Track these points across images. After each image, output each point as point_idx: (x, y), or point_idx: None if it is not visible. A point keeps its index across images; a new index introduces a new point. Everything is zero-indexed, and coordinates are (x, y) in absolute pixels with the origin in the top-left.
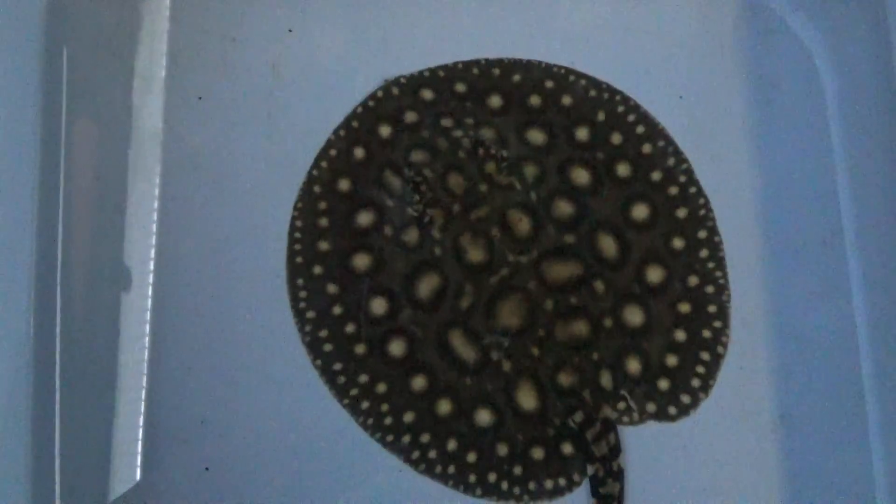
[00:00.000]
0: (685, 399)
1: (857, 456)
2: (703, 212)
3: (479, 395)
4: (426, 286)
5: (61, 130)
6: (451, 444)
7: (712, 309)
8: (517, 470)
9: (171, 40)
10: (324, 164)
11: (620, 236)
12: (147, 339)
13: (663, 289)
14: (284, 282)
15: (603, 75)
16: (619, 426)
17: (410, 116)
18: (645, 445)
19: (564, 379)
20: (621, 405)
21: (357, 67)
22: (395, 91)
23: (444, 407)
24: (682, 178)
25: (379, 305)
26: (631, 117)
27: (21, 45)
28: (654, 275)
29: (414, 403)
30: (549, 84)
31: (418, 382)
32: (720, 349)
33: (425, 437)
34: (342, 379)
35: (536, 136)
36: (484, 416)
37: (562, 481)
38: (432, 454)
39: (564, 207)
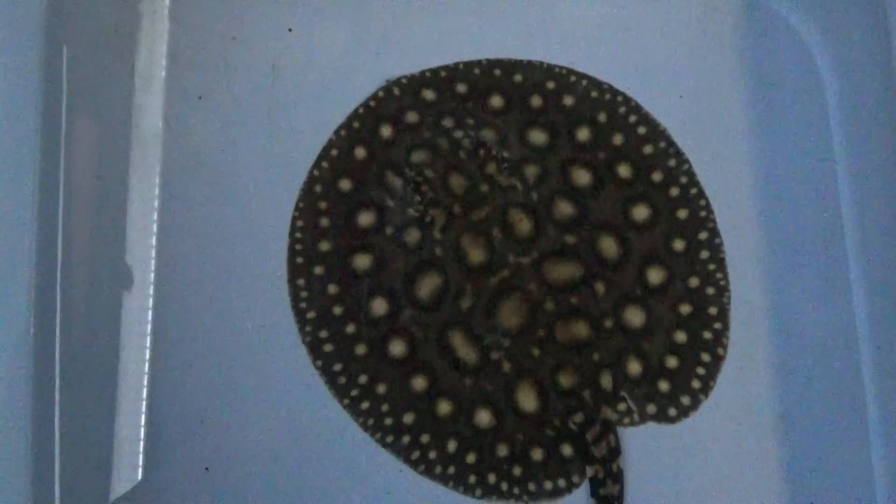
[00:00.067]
0: (685, 400)
1: (857, 455)
2: (703, 213)
3: (479, 396)
4: (427, 286)
5: (61, 130)
6: (451, 445)
7: (713, 310)
8: (517, 471)
9: (171, 40)
10: (325, 163)
11: (621, 237)
12: (148, 338)
13: (664, 290)
14: (285, 282)
15: (603, 75)
16: (618, 427)
17: (412, 117)
18: (645, 446)
19: (564, 380)
20: (621, 406)
21: (357, 67)
22: (397, 91)
23: (444, 407)
24: (684, 180)
25: (379, 306)
26: (632, 118)
27: (21, 45)
28: (655, 276)
29: (414, 404)
30: (551, 85)
31: (418, 383)
32: (720, 351)
33: (425, 438)
34: (342, 379)
35: (537, 137)
36: (484, 417)
37: (561, 482)
38: (432, 455)
39: (565, 208)
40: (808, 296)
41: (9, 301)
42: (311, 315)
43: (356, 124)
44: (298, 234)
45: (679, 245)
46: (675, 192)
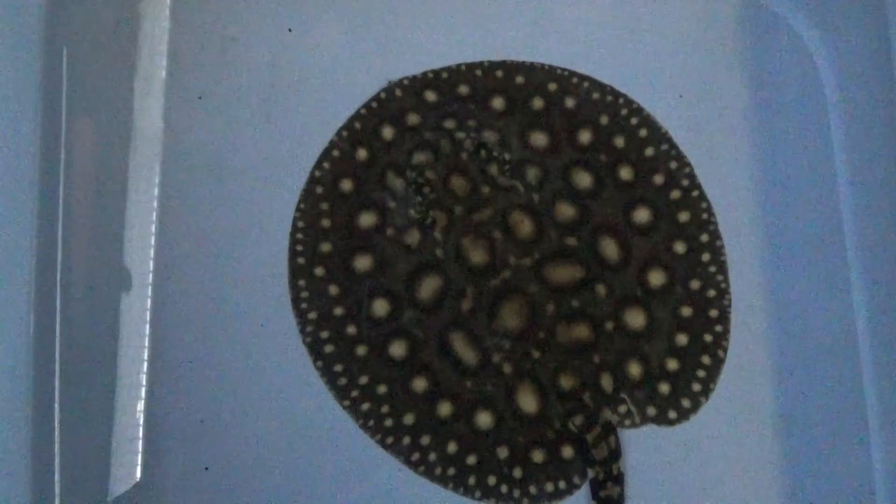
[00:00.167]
0: (686, 403)
1: (856, 456)
2: (705, 216)
3: (479, 398)
4: (427, 288)
5: (61, 130)
6: (452, 446)
7: (714, 313)
8: (517, 472)
9: (171, 40)
10: (326, 164)
11: (622, 239)
12: (147, 338)
13: (665, 292)
14: (285, 282)
15: (603, 75)
16: (619, 429)
17: (413, 118)
18: (645, 446)
19: (565, 382)
20: (622, 408)
21: (357, 67)
22: (398, 93)
23: (445, 409)
24: (685, 182)
25: (380, 307)
26: (634, 120)
27: (21, 45)
28: (656, 278)
29: (414, 405)
30: (552, 86)
31: (419, 384)
32: (721, 353)
33: (426, 439)
34: (343, 380)
35: (539, 139)
36: (484, 419)
37: (562, 484)
38: (432, 456)
39: (566, 210)
40: (807, 296)
41: (9, 301)
42: (311, 316)
43: (358, 125)
44: (300, 235)
45: (680, 247)
46: (676, 194)
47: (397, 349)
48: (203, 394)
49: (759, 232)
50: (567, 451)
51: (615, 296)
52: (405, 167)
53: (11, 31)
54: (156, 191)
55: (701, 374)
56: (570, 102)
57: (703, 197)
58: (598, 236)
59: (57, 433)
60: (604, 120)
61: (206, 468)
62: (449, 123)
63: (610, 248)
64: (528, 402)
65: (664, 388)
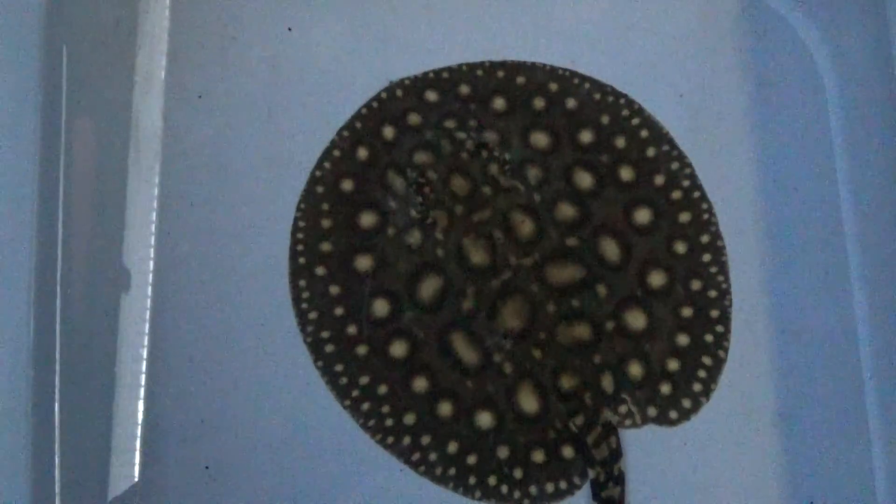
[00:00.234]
0: (686, 403)
1: (857, 453)
2: (706, 216)
3: (480, 398)
4: (428, 288)
5: (61, 129)
6: (452, 446)
7: (714, 313)
8: (518, 473)
9: (170, 39)
10: (327, 164)
11: (623, 240)
12: (146, 338)
13: (666, 293)
14: (286, 282)
15: (603, 74)
16: (619, 429)
17: (414, 118)
18: (645, 445)
19: (566, 382)
20: (622, 409)
21: (357, 66)
22: (399, 92)
23: (445, 409)
24: (686, 183)
25: (381, 307)
26: (635, 121)
27: (21, 44)
28: (657, 279)
29: (415, 405)
30: (553, 87)
31: (419, 384)
32: (722, 354)
33: (426, 439)
34: (343, 380)
35: (540, 139)
36: (485, 419)
37: (562, 484)
38: (433, 456)
39: (567, 210)
40: (808, 296)
41: (9, 301)
42: (312, 315)
43: (359, 125)
44: (300, 235)
45: (681, 248)
46: (677, 195)
47: (398, 349)
48: (203, 394)
49: (759, 232)
50: (567, 452)
51: (616, 296)
52: (406, 167)
53: (11, 30)
54: (156, 190)
55: (702, 374)
56: (571, 103)
57: (703, 197)
58: (598, 236)
59: (57, 433)
60: (605, 120)
61: (206, 468)
62: (450, 123)
63: (611, 249)
64: (528, 402)
65: (665, 388)
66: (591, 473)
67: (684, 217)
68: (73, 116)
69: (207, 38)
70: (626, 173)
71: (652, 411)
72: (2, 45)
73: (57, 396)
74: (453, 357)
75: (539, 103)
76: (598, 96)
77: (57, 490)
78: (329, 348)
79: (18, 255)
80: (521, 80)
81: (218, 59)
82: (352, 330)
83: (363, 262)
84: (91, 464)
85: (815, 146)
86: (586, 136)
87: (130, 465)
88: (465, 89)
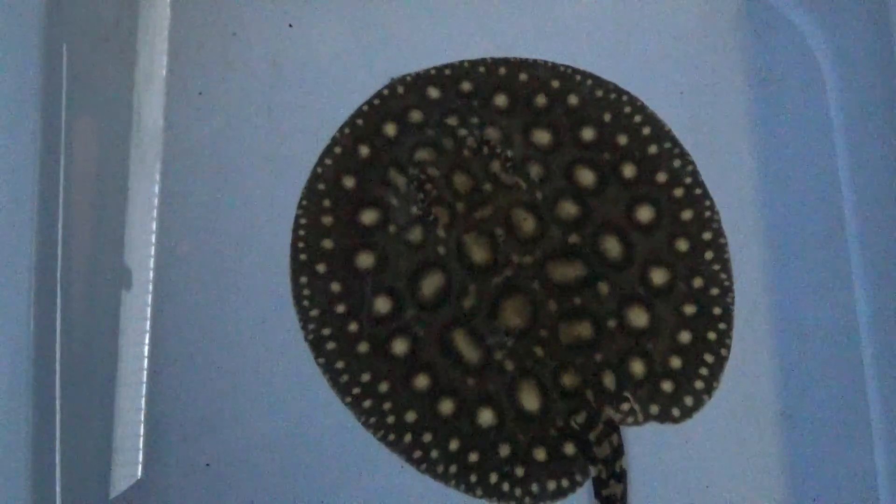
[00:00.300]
0: (688, 401)
1: (859, 451)
2: (708, 213)
3: (481, 395)
4: (430, 285)
5: (61, 127)
6: (453, 444)
7: (717, 311)
8: (519, 471)
9: (171, 36)
10: (329, 161)
11: (625, 238)
12: (148, 336)
13: (668, 290)
14: (287, 279)
15: (605, 71)
16: (621, 427)
17: (416, 115)
18: (647, 444)
19: (567, 380)
20: (624, 406)
21: (359, 63)
22: (401, 89)
23: (447, 406)
24: (688, 180)
25: (382, 304)
26: (637, 118)
27: (21, 42)
28: (659, 276)
29: (416, 403)
30: (555, 84)
31: (421, 382)
32: (724, 352)
33: (427, 437)
34: (345, 377)
35: (542, 136)
36: (486, 417)
37: (564, 482)
38: (434, 454)
39: (569, 208)
40: (810, 294)
41: (9, 301)
42: (313, 313)
43: (360, 122)
44: (302, 232)
45: (683, 245)
46: (679, 192)
47: (399, 346)
48: (204, 391)
49: (761, 229)
50: (569, 450)
51: (618, 294)
52: (408, 164)
53: (11, 28)
54: (156, 188)
55: (704, 371)
56: (572, 100)
57: (705, 195)
58: (600, 234)
59: (58, 432)
60: (607, 117)
61: (208, 465)
62: (452, 120)
63: (612, 246)
64: (530, 400)
65: (667, 385)
66: (593, 471)
67: (686, 214)
68: (73, 115)
69: (208, 36)
70: (627, 171)
71: (654, 409)
72: (2, 44)
73: (57, 396)
74: (454, 355)
75: (541, 100)
76: (599, 93)
77: (58, 489)
78: (330, 346)
79: (18, 255)
80: (523, 77)
81: (219, 56)
82: (353, 327)
83: (364, 260)
84: (92, 462)
85: (816, 144)
86: (588, 134)
87: (132, 463)
88: (466, 86)
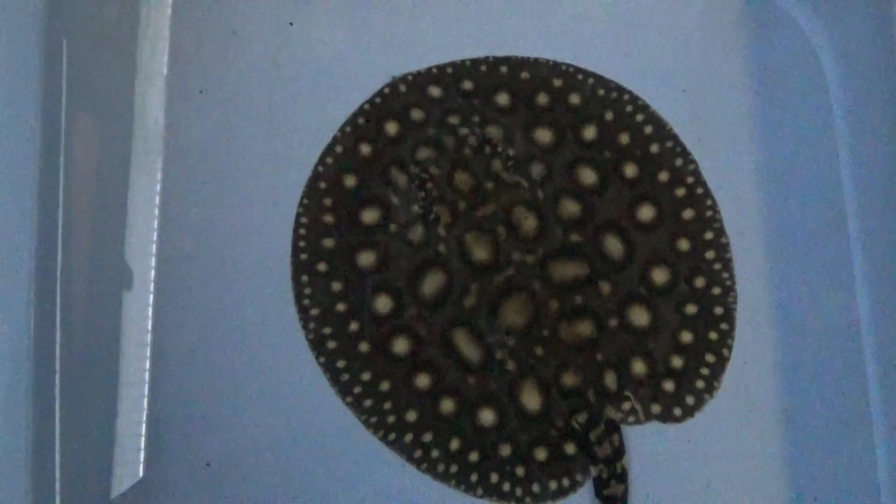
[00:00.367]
0: (690, 401)
1: (861, 452)
2: (709, 213)
3: (482, 395)
4: (431, 284)
5: (61, 126)
6: (454, 444)
7: (718, 311)
8: (520, 470)
9: (172, 34)
10: (329, 160)
11: (626, 237)
12: (149, 335)
13: (669, 290)
14: (288, 278)
15: (606, 69)
16: (622, 426)
17: (417, 113)
18: (648, 442)
19: (568, 379)
20: (625, 406)
21: (359, 62)
22: (402, 88)
23: (448, 406)
24: (690, 179)
25: (383, 303)
26: (639, 117)
27: (21, 40)
28: (660, 276)
29: (417, 402)
30: (557, 82)
31: (422, 381)
32: (725, 352)
33: (428, 436)
34: (345, 377)
35: (543, 135)
36: (487, 416)
37: (565, 482)
38: (435, 453)
39: (570, 207)
40: (812, 293)
41: (9, 299)
42: (314, 312)
43: (361, 120)
44: (303, 231)
45: (684, 245)
46: (680, 191)
47: (400, 346)
48: (205, 390)
49: (763, 228)
50: (570, 449)
51: (619, 293)
52: (409, 163)
53: (11, 26)
54: (157, 186)
55: (705, 371)
56: (574, 98)
57: (707, 194)
58: (602, 233)
59: (58, 431)
60: (608, 116)
61: (209, 464)
62: (453, 119)
63: (614, 246)
64: (531, 399)
65: (668, 385)
66: (594, 471)
67: (688, 214)
68: (73, 113)
69: (209, 34)
70: (629, 170)
71: (655, 408)
72: (2, 42)
73: (58, 395)
74: (455, 354)
75: (542, 99)
76: (601, 92)
77: (58, 489)
78: (331, 345)
79: (18, 255)
80: (524, 75)
81: (219, 54)
82: (354, 326)
83: (365, 259)
84: (94, 461)
85: (818, 142)
86: (590, 133)
87: (133, 463)
88: (468, 85)
